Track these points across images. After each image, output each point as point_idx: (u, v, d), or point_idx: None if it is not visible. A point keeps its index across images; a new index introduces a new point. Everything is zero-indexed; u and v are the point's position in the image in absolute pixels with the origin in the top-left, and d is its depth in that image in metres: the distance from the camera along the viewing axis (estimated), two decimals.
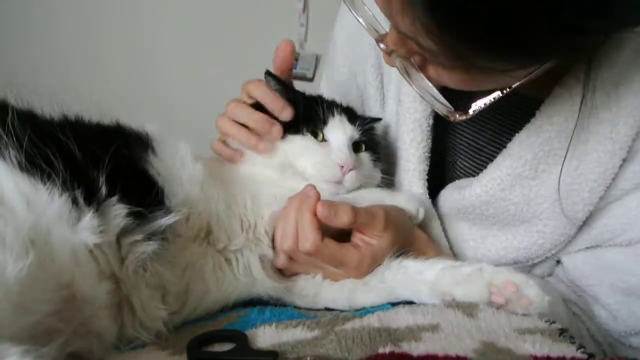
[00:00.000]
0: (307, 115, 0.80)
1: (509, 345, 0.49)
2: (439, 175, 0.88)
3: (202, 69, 2.52)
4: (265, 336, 0.55)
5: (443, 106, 0.62)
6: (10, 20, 2.47)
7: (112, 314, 0.56)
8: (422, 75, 0.60)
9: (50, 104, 0.63)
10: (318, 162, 0.77)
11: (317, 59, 2.57)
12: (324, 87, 1.10)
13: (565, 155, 0.69)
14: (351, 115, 0.84)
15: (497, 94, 0.60)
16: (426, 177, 0.85)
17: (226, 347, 0.53)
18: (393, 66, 0.63)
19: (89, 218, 0.53)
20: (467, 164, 0.86)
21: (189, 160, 0.69)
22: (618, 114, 0.67)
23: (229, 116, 0.80)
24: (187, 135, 0.71)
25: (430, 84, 0.61)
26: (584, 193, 0.70)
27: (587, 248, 0.76)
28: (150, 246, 0.58)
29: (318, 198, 0.67)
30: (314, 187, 0.68)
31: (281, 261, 0.71)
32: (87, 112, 0.67)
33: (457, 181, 0.85)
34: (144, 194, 0.59)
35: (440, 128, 0.86)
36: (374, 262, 0.69)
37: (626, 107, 0.67)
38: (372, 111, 0.97)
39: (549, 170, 0.73)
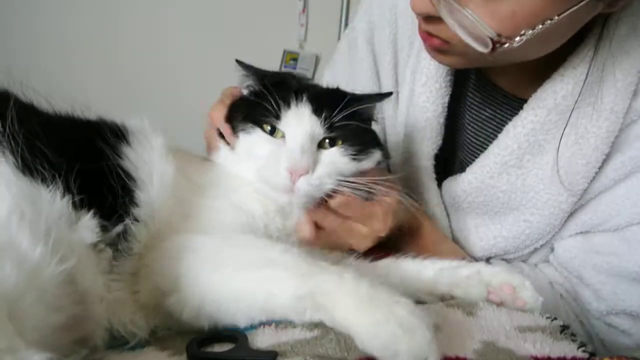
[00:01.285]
0: (261, 108, 0.67)
1: (510, 345, 0.49)
2: (445, 169, 0.92)
3: (202, 69, 2.52)
4: (265, 336, 0.54)
5: (487, 31, 0.62)
6: (16, 19, 2.47)
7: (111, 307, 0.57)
8: (461, 10, 0.61)
9: (48, 101, 0.64)
10: (262, 167, 0.66)
11: (317, 59, 2.57)
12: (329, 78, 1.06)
13: (563, 131, 0.74)
14: (329, 101, 0.68)
15: (547, 22, 0.61)
16: (434, 173, 0.89)
17: (226, 347, 0.53)
18: (420, 13, 0.66)
19: (88, 217, 0.55)
20: (469, 159, 0.89)
21: (163, 154, 0.66)
22: (600, 109, 0.72)
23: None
24: (187, 133, 0.71)
25: (470, 14, 0.61)
26: (567, 184, 0.75)
27: (577, 233, 0.80)
28: (107, 253, 0.58)
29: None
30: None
31: (308, 230, 0.69)
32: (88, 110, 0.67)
33: (457, 174, 0.88)
34: (111, 202, 0.59)
35: (449, 127, 0.90)
36: (394, 217, 0.73)
37: (608, 104, 0.72)
38: (386, 110, 0.97)
39: (533, 160, 0.78)
